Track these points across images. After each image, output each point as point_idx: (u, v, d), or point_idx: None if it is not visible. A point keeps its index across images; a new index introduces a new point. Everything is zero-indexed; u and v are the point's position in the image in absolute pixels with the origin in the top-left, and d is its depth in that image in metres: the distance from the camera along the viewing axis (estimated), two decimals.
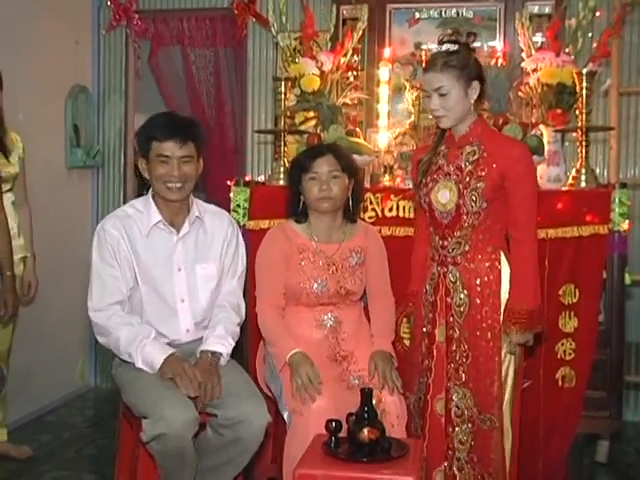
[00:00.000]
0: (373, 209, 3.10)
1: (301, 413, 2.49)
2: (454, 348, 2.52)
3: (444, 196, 2.50)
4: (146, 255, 2.56)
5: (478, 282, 2.49)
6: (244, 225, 3.08)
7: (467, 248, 2.50)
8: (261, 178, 4.24)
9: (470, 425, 2.51)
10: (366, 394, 2.29)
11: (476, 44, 2.55)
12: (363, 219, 3.03)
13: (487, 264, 2.49)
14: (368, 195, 3.09)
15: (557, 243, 2.94)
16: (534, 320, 2.46)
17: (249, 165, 4.52)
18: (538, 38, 3.59)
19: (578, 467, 3.09)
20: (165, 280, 2.58)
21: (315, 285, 2.70)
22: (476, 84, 2.46)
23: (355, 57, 3.81)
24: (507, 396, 2.51)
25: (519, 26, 3.48)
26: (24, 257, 3.40)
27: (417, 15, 4.05)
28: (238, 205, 3.14)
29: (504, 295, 2.48)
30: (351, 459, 2.20)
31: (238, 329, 2.67)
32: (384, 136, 3.56)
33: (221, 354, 2.55)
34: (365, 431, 2.23)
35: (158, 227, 2.58)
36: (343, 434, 2.28)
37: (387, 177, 3.39)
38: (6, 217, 3.04)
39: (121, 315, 2.52)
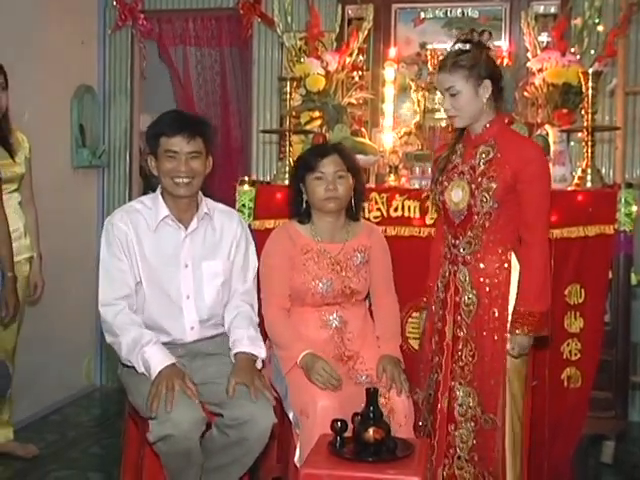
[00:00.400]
0: (378, 209, 3.10)
1: (307, 414, 2.49)
2: (460, 347, 2.52)
3: (457, 195, 2.51)
4: (153, 250, 2.56)
5: (487, 282, 2.48)
6: (249, 225, 3.08)
7: (477, 248, 2.50)
8: (266, 178, 4.25)
9: (473, 424, 2.50)
10: (371, 394, 2.29)
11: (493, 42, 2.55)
12: (368, 219, 3.03)
13: (496, 265, 2.48)
14: (373, 195, 3.09)
15: (563, 243, 2.93)
16: (542, 323, 2.45)
17: (254, 165, 4.53)
18: (544, 38, 3.59)
19: (584, 468, 3.08)
20: (171, 276, 2.57)
21: (320, 285, 2.70)
22: (487, 83, 2.44)
23: (360, 57, 3.82)
24: (517, 397, 2.50)
25: (525, 26, 3.49)
26: (30, 257, 3.40)
27: (422, 15, 4.04)
28: (243, 205, 3.15)
29: (512, 297, 2.47)
30: (356, 459, 2.20)
31: (259, 329, 2.67)
32: (389, 136, 3.56)
33: (257, 356, 2.54)
34: (370, 431, 2.23)
35: (166, 223, 2.58)
36: (348, 434, 2.28)
37: (392, 177, 3.38)
38: (6, 218, 3.03)
39: (127, 314, 2.50)
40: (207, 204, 2.66)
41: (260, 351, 2.56)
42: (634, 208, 2.96)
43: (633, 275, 3.03)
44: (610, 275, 3.00)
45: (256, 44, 4.49)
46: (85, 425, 4.01)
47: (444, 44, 3.90)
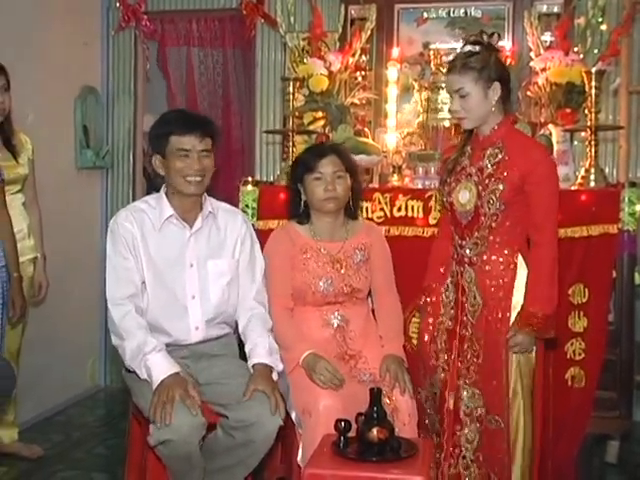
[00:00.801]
0: (382, 209, 3.10)
1: (310, 413, 2.49)
2: (466, 347, 2.53)
3: (464, 196, 2.52)
4: (158, 250, 2.56)
5: (493, 284, 2.49)
6: (252, 225, 3.08)
7: (483, 249, 2.50)
8: (270, 178, 4.25)
9: (478, 425, 2.51)
10: (375, 394, 2.29)
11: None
12: (371, 219, 3.03)
13: (502, 267, 2.49)
14: (377, 195, 3.09)
15: (566, 243, 2.92)
16: (548, 325, 2.45)
17: (257, 165, 4.53)
18: (547, 37, 3.58)
19: (588, 467, 3.08)
20: (176, 276, 2.57)
21: (320, 283, 2.71)
22: (497, 85, 2.45)
23: (363, 57, 3.82)
24: (525, 397, 2.50)
25: (528, 25, 3.48)
26: (34, 258, 3.41)
27: (425, 15, 4.04)
28: (247, 205, 3.15)
29: (516, 298, 2.47)
30: (360, 459, 2.20)
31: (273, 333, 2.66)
32: (392, 136, 3.56)
33: (273, 368, 2.53)
34: (374, 431, 2.23)
35: (171, 222, 2.58)
36: (352, 434, 2.28)
37: (396, 177, 3.39)
38: (10, 218, 3.04)
39: (134, 317, 2.48)
40: (211, 203, 2.66)
41: (277, 364, 2.55)
42: (638, 207, 2.95)
43: (637, 274, 3.02)
44: (614, 274, 3.00)
45: (259, 44, 4.49)
46: (90, 426, 4.02)
47: (447, 44, 3.92)
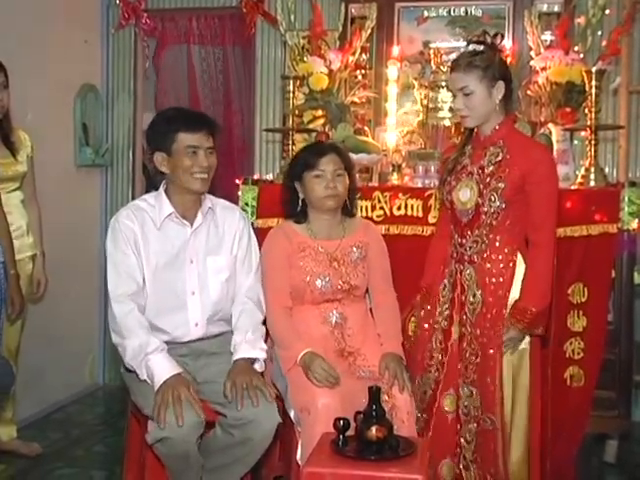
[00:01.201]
0: (381, 208, 3.10)
1: (308, 411, 2.49)
2: (465, 346, 2.53)
3: (464, 195, 2.53)
4: (159, 247, 2.56)
5: (492, 282, 2.50)
6: (252, 224, 3.08)
7: (484, 247, 2.51)
8: (269, 177, 4.25)
9: (475, 425, 2.52)
10: (374, 392, 2.29)
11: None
12: (371, 218, 3.03)
13: (502, 265, 2.50)
14: (376, 194, 3.10)
15: (566, 242, 2.93)
16: (538, 321, 2.46)
17: (257, 164, 4.53)
18: (547, 36, 3.58)
19: (586, 467, 3.08)
20: (177, 273, 2.57)
21: (318, 281, 2.71)
22: (501, 84, 2.48)
23: (363, 56, 3.82)
24: (521, 396, 2.51)
25: (528, 24, 3.48)
26: (33, 255, 3.41)
27: (426, 13, 4.04)
28: (246, 204, 3.15)
29: (512, 295, 2.48)
30: (359, 457, 2.20)
31: (264, 327, 2.66)
32: (392, 135, 3.56)
33: (256, 359, 2.53)
34: (373, 429, 2.22)
35: (171, 220, 2.58)
36: (351, 432, 2.28)
37: (395, 176, 3.39)
38: (5, 216, 3.01)
39: (137, 317, 2.47)
40: (210, 200, 2.66)
41: (258, 353, 2.54)
42: (637, 207, 2.95)
43: (636, 274, 3.03)
44: (613, 274, 3.00)
45: (259, 43, 4.49)
46: (88, 423, 4.02)
47: (447, 43, 3.92)
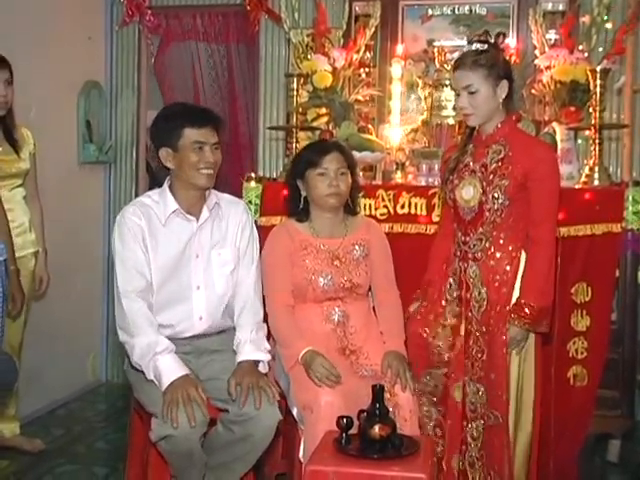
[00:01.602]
0: (385, 206, 3.09)
1: (311, 409, 2.49)
2: (471, 343, 2.54)
3: (468, 192, 2.53)
4: (165, 243, 2.55)
5: (497, 279, 2.50)
6: (255, 221, 3.08)
7: (488, 245, 2.52)
8: (273, 174, 4.25)
9: (482, 421, 2.52)
10: (377, 391, 2.29)
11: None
12: (374, 216, 3.03)
13: (506, 262, 2.50)
14: (380, 192, 3.10)
15: (570, 241, 2.92)
16: (541, 318, 2.46)
17: (261, 161, 4.52)
18: (551, 35, 3.58)
19: (589, 467, 3.08)
20: (182, 267, 2.56)
21: (320, 279, 2.71)
22: (504, 83, 2.49)
23: (367, 54, 3.82)
24: (526, 395, 2.51)
25: (532, 23, 3.48)
26: (35, 252, 3.41)
27: (430, 12, 4.03)
28: (250, 201, 3.15)
29: (516, 293, 2.49)
30: (362, 456, 2.20)
31: (265, 325, 2.66)
32: (396, 133, 3.55)
33: (261, 361, 2.53)
34: (376, 428, 2.23)
35: (176, 216, 2.57)
36: (354, 431, 2.28)
37: (399, 174, 3.38)
38: (5, 212, 3.00)
39: (146, 315, 2.47)
40: (215, 194, 2.66)
41: (263, 355, 2.54)
42: None
43: None
44: (617, 273, 3.00)
45: (263, 40, 4.48)
46: (91, 420, 4.02)
47: (451, 41, 3.92)
